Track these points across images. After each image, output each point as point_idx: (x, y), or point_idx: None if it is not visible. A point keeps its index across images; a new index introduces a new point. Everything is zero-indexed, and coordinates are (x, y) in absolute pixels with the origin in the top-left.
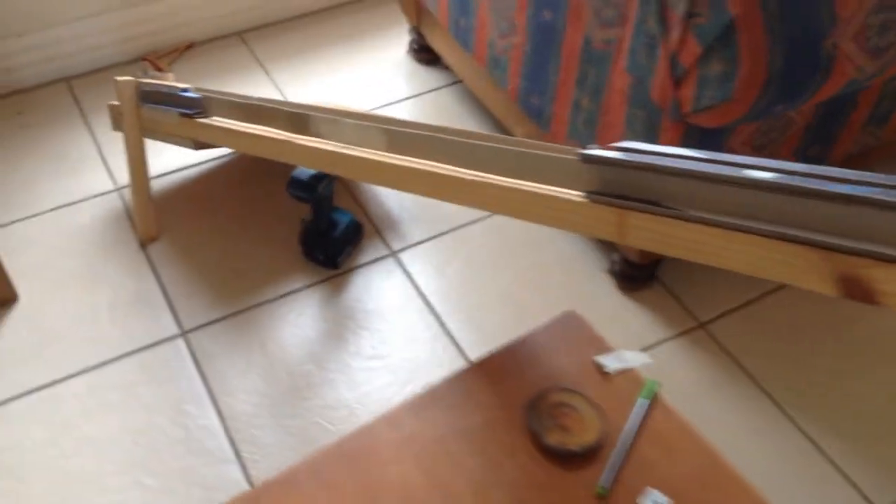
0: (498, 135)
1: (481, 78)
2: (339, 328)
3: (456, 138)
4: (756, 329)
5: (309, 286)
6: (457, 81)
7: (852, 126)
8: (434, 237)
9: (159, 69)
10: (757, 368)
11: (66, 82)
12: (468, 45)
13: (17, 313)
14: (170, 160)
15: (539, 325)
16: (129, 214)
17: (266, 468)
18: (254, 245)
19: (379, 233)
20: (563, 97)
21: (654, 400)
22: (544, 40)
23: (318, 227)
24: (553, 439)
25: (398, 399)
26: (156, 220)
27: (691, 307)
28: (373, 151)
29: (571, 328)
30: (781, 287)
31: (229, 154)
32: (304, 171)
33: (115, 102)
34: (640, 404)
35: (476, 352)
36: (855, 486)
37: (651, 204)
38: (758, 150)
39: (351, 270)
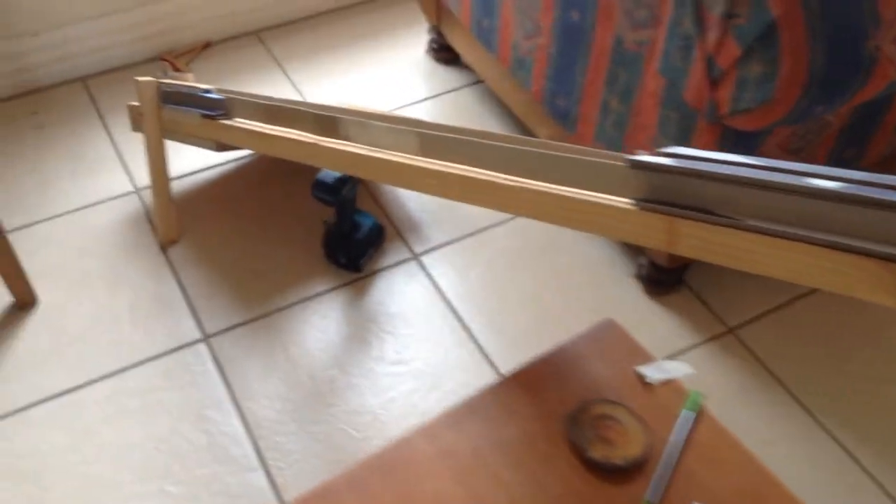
0: (537, 139)
1: (504, 78)
2: (363, 332)
3: (495, 143)
4: (787, 334)
5: (331, 289)
6: (476, 81)
7: (886, 128)
8: (456, 240)
9: (178, 69)
10: (788, 374)
11: (81, 82)
12: (491, 46)
13: (36, 316)
14: (189, 161)
15: (573, 332)
16: (148, 216)
17: (292, 476)
18: (275, 247)
19: (401, 235)
20: (590, 98)
21: (701, 412)
22: (571, 41)
23: (340, 230)
24: (597, 453)
25: (423, 405)
26: (177, 222)
27: (720, 312)
28: (410, 157)
29: (610, 337)
30: (812, 291)
31: (249, 155)
32: (329, 173)
33: (135, 103)
34: (685, 416)
35: (501, 356)
36: (890, 496)
37: (703, 212)
38: (793, 154)
39: (373, 274)
